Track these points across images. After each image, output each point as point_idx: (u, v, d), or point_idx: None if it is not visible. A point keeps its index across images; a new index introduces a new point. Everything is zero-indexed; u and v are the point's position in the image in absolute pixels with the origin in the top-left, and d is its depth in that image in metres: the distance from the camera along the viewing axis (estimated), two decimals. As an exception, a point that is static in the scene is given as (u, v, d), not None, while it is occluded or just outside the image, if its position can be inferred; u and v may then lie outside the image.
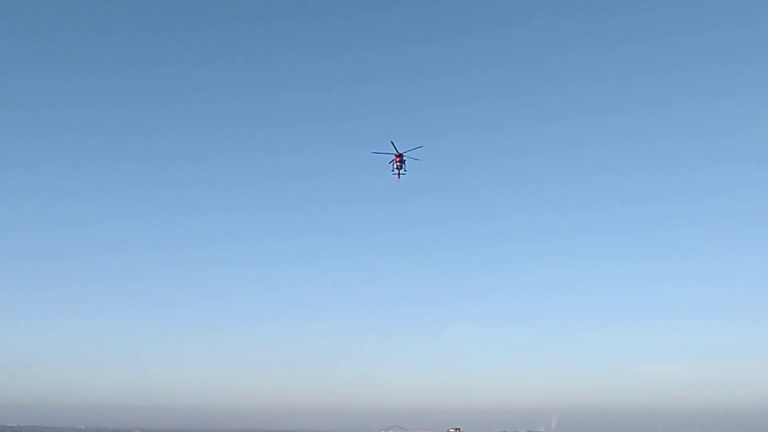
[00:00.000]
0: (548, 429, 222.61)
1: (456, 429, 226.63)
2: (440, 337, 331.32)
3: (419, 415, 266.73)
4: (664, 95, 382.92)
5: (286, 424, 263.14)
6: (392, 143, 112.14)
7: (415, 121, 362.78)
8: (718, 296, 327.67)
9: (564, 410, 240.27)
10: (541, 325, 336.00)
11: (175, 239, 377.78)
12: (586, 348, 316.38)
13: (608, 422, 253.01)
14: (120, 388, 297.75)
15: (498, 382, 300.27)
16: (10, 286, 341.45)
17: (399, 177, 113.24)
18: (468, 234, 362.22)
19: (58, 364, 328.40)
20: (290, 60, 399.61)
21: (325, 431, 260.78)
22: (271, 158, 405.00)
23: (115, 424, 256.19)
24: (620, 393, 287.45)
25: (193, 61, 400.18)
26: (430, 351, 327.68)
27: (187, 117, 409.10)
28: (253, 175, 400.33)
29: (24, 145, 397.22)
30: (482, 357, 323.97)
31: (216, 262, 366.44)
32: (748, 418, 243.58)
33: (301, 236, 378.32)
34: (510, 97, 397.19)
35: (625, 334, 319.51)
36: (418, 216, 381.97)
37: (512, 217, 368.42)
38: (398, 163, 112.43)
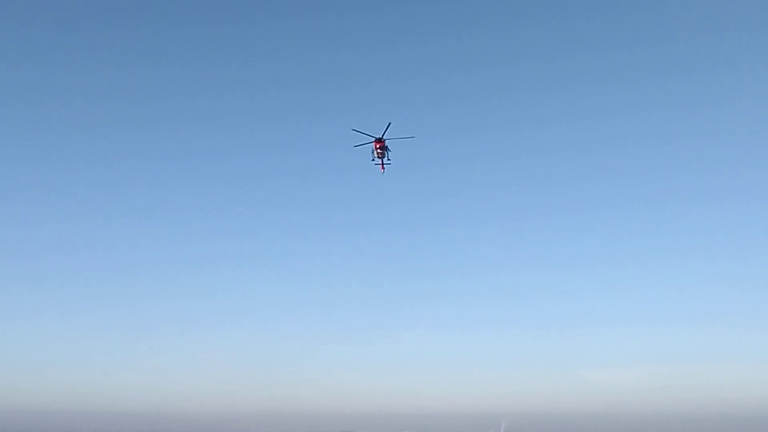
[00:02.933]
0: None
1: None
2: (394, 343, 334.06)
3: (371, 419, 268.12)
4: (659, 99, 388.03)
5: (236, 429, 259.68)
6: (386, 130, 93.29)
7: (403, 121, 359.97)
8: (663, 301, 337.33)
9: (513, 415, 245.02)
10: (490, 331, 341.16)
11: (124, 241, 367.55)
12: (534, 353, 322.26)
13: (556, 427, 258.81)
14: (66, 393, 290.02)
15: (449, 387, 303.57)
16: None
17: (383, 168, 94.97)
18: (422, 240, 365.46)
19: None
20: (284, 58, 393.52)
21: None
22: (227, 158, 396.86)
23: (61, 431, 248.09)
24: (566, 398, 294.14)
25: (186, 59, 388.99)
26: (384, 356, 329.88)
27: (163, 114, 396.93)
28: (204, 176, 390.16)
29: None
30: (434, 362, 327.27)
31: (166, 264, 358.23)
32: (696, 423, 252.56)
33: (252, 239, 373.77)
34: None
35: (571, 339, 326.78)
36: (372, 220, 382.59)
37: (465, 224, 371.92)
38: (379, 151, 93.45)
